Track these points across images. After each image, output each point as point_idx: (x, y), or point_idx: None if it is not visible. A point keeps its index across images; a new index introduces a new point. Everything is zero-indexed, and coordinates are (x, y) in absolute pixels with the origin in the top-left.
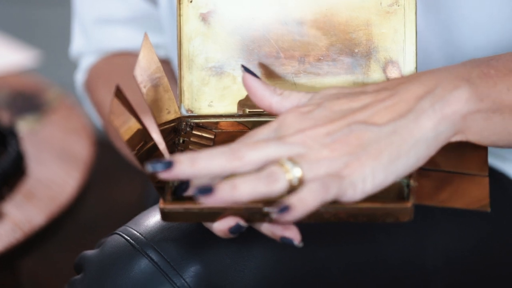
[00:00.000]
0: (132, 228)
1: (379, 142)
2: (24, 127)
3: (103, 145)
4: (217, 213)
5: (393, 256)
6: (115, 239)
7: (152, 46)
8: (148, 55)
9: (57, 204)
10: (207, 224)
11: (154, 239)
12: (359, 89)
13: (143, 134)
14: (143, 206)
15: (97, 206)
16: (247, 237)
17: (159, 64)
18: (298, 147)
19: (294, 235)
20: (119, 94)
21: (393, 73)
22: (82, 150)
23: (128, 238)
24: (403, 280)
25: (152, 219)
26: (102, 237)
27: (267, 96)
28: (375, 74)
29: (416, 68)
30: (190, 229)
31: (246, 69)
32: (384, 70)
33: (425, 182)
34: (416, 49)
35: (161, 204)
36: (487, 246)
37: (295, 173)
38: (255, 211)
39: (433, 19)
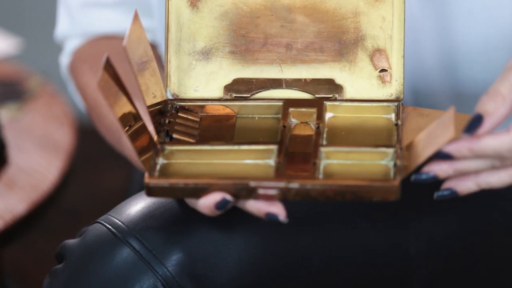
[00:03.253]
0: (113, 217)
1: None
2: (6, 115)
3: (85, 133)
4: (203, 189)
5: (376, 243)
6: (96, 228)
7: (141, 24)
8: (137, 32)
9: (39, 192)
10: (192, 203)
11: (136, 228)
12: None
13: (132, 113)
14: (126, 193)
15: (80, 194)
16: (229, 225)
17: (149, 46)
18: None
19: (279, 210)
20: (108, 67)
21: (380, 61)
22: (64, 138)
23: (110, 227)
24: (386, 266)
25: (134, 207)
26: (85, 225)
27: (505, 112)
28: (362, 62)
29: (404, 56)
30: (172, 218)
31: (471, 127)
32: (372, 58)
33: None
34: (404, 37)
35: (146, 178)
36: (470, 233)
37: None
38: (242, 187)
39: (428, 8)
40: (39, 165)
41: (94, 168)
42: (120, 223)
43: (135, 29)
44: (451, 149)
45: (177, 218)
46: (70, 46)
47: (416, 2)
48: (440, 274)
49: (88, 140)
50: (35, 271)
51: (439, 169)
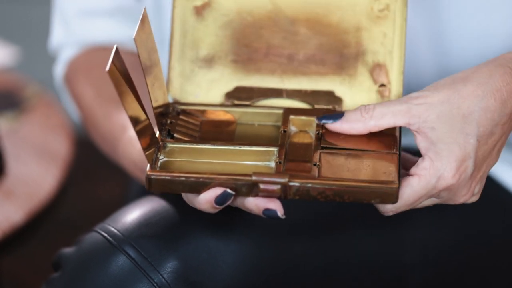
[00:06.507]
0: (109, 225)
1: None
2: (3, 124)
3: (82, 143)
4: (204, 183)
5: (370, 251)
6: (92, 236)
7: (150, 24)
8: (146, 30)
9: (36, 202)
10: (191, 200)
11: (131, 236)
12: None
13: (140, 111)
14: (123, 203)
15: (76, 204)
16: (224, 233)
17: (155, 49)
18: None
19: (277, 206)
20: (116, 60)
21: (380, 76)
22: (61, 148)
23: (106, 235)
24: (380, 274)
25: (130, 215)
26: (82, 235)
27: (362, 128)
28: (362, 77)
29: (403, 72)
30: (167, 225)
31: (322, 118)
32: (371, 73)
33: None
34: (404, 54)
35: (148, 171)
36: (465, 241)
37: None
38: (243, 182)
39: (421, 13)
40: (36, 175)
41: (91, 178)
42: (116, 231)
43: (144, 27)
44: None
45: (172, 226)
46: (65, 55)
47: (409, 9)
48: (434, 282)
49: (85, 150)
50: (32, 280)
51: None
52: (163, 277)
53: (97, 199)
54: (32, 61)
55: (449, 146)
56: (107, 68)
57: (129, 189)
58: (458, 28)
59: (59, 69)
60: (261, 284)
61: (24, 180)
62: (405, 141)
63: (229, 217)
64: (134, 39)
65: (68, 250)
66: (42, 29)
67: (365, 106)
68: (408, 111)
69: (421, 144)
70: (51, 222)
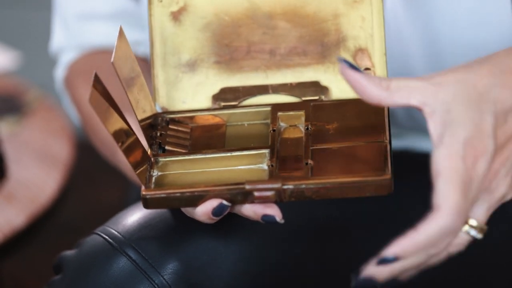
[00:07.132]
0: (110, 228)
1: None
2: (4, 129)
3: (83, 147)
4: (199, 196)
5: (370, 251)
6: (93, 239)
7: (127, 40)
8: (123, 49)
9: (37, 205)
10: (190, 212)
11: (132, 238)
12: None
13: (125, 128)
14: (123, 207)
15: (77, 208)
16: (225, 234)
17: (135, 62)
18: None
19: (275, 212)
20: (97, 84)
21: (363, 61)
22: (62, 152)
23: (107, 237)
24: None
25: (131, 218)
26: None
27: (375, 94)
28: None
29: (386, 54)
30: (168, 227)
31: (346, 62)
32: (354, 58)
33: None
34: (384, 36)
35: (143, 191)
36: None
37: None
38: (237, 191)
39: (412, 13)
40: (38, 178)
41: (92, 182)
42: (116, 233)
43: (121, 45)
44: (396, 250)
45: (172, 228)
46: (66, 59)
47: (401, 8)
48: (434, 283)
49: (86, 153)
50: (33, 283)
51: (378, 272)
52: (164, 279)
53: (98, 203)
54: (33, 66)
55: (465, 126)
56: (88, 97)
57: (129, 193)
58: (451, 34)
59: (60, 73)
60: (261, 284)
61: (25, 183)
62: (405, 143)
63: (229, 218)
64: (112, 63)
65: (69, 253)
66: (43, 34)
67: (381, 77)
68: (425, 89)
69: (435, 130)
70: (52, 225)
